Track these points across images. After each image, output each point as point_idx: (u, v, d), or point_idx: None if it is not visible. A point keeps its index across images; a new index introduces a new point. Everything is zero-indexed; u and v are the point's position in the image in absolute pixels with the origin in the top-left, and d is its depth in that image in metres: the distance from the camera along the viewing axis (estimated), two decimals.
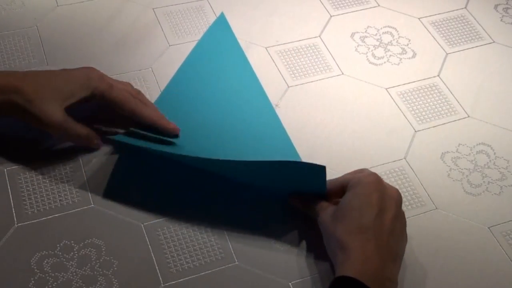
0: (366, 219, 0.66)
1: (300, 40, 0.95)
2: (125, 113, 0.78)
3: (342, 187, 0.72)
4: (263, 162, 0.72)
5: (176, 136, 0.79)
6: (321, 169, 0.69)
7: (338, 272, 0.64)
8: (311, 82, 0.90)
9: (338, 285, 0.63)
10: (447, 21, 1.00)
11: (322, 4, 1.01)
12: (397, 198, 0.70)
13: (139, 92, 0.81)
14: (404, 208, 0.76)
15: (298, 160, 0.79)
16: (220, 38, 0.93)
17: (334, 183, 0.73)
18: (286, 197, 0.75)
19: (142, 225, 0.73)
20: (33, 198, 0.74)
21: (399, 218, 0.70)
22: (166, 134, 0.78)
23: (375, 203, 0.68)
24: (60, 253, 0.69)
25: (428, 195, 0.78)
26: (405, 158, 0.82)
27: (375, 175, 0.71)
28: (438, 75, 0.93)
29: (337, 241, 0.66)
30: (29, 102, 0.73)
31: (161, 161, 0.78)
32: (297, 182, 0.73)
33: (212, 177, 0.77)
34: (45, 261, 0.68)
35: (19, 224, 0.72)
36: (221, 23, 0.95)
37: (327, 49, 0.94)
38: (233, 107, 0.84)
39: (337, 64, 0.93)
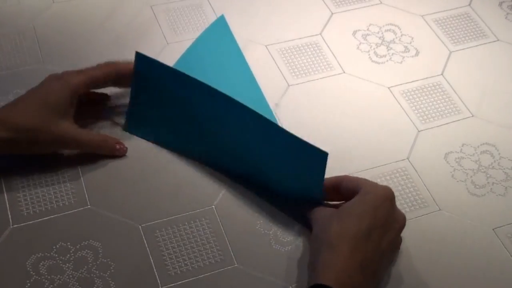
0: (364, 229, 0.65)
1: (300, 38, 0.94)
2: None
3: (336, 187, 0.71)
4: (270, 123, 0.72)
5: None
6: (323, 156, 0.68)
7: (319, 272, 0.62)
8: (312, 81, 0.89)
9: None
10: (451, 19, 0.99)
11: (323, 1, 1.00)
12: (402, 224, 0.69)
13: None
14: (407, 209, 0.76)
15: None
16: (218, 38, 0.92)
17: (330, 181, 0.72)
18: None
19: (139, 226, 0.72)
20: (28, 199, 0.73)
21: (395, 244, 0.69)
22: None
23: (380, 218, 0.66)
24: (56, 255, 0.69)
25: (432, 196, 0.77)
26: (408, 158, 0.81)
27: (389, 190, 0.69)
28: (442, 74, 0.92)
29: (327, 238, 0.65)
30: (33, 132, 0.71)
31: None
32: (297, 165, 0.72)
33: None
34: (41, 264, 0.68)
35: (14, 226, 0.71)
36: (220, 24, 0.94)
37: (328, 47, 0.94)
38: None
39: (338, 63, 0.92)
